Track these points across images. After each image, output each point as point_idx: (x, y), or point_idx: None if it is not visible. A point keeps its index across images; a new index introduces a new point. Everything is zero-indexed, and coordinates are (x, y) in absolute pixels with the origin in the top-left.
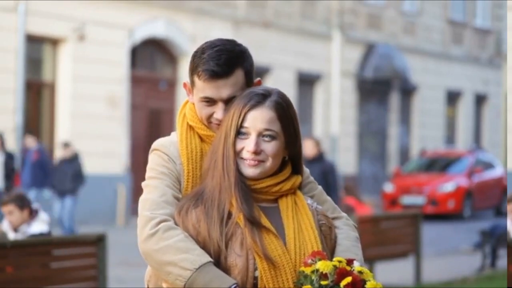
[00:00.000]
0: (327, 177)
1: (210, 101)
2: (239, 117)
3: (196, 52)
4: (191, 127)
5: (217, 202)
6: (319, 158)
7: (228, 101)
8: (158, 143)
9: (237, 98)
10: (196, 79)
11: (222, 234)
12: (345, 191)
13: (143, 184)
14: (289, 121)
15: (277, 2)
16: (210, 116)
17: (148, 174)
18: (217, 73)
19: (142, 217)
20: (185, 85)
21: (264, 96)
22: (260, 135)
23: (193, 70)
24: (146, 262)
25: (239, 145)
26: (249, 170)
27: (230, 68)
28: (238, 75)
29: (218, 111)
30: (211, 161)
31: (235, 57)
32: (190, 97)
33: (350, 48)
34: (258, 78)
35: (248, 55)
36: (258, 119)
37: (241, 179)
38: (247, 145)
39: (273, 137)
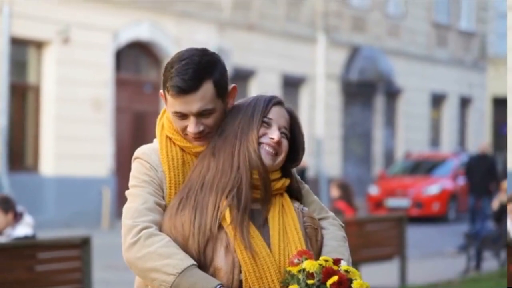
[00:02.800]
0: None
1: (182, 115)
2: (265, 108)
3: (167, 65)
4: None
5: (204, 202)
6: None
7: (199, 114)
8: (140, 151)
9: (244, 101)
10: (166, 93)
11: (205, 235)
12: (339, 191)
13: (127, 192)
14: (297, 128)
15: (262, 4)
16: (184, 129)
17: (130, 182)
18: (184, 90)
19: (124, 226)
20: (162, 94)
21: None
22: (280, 129)
23: (164, 85)
24: (131, 270)
25: (261, 131)
26: (267, 158)
27: (197, 83)
28: (207, 88)
29: (191, 125)
30: (218, 153)
31: (202, 68)
32: (167, 107)
33: (334, 50)
34: (233, 85)
35: (217, 65)
36: (281, 115)
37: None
38: (271, 133)
39: (286, 136)
